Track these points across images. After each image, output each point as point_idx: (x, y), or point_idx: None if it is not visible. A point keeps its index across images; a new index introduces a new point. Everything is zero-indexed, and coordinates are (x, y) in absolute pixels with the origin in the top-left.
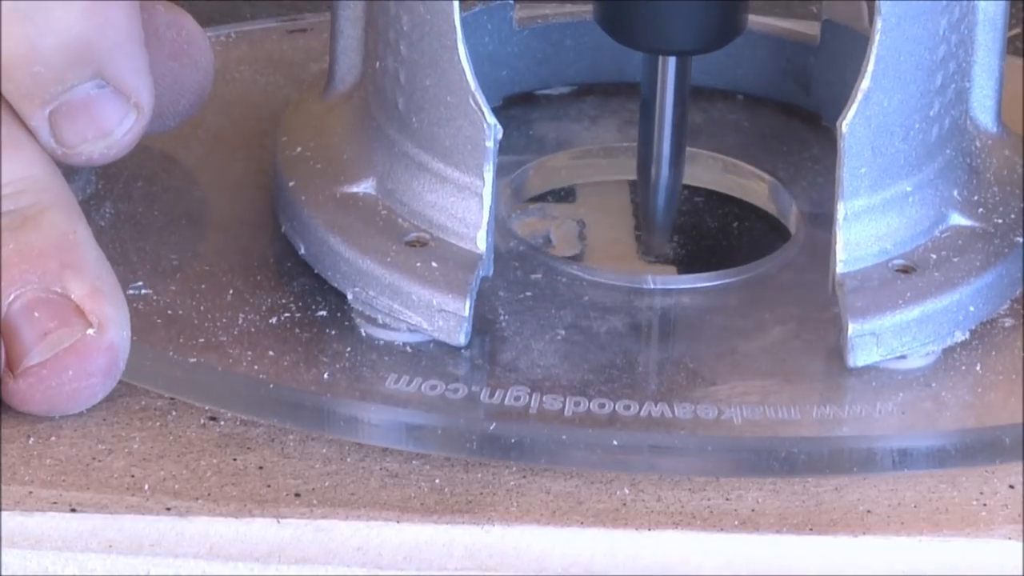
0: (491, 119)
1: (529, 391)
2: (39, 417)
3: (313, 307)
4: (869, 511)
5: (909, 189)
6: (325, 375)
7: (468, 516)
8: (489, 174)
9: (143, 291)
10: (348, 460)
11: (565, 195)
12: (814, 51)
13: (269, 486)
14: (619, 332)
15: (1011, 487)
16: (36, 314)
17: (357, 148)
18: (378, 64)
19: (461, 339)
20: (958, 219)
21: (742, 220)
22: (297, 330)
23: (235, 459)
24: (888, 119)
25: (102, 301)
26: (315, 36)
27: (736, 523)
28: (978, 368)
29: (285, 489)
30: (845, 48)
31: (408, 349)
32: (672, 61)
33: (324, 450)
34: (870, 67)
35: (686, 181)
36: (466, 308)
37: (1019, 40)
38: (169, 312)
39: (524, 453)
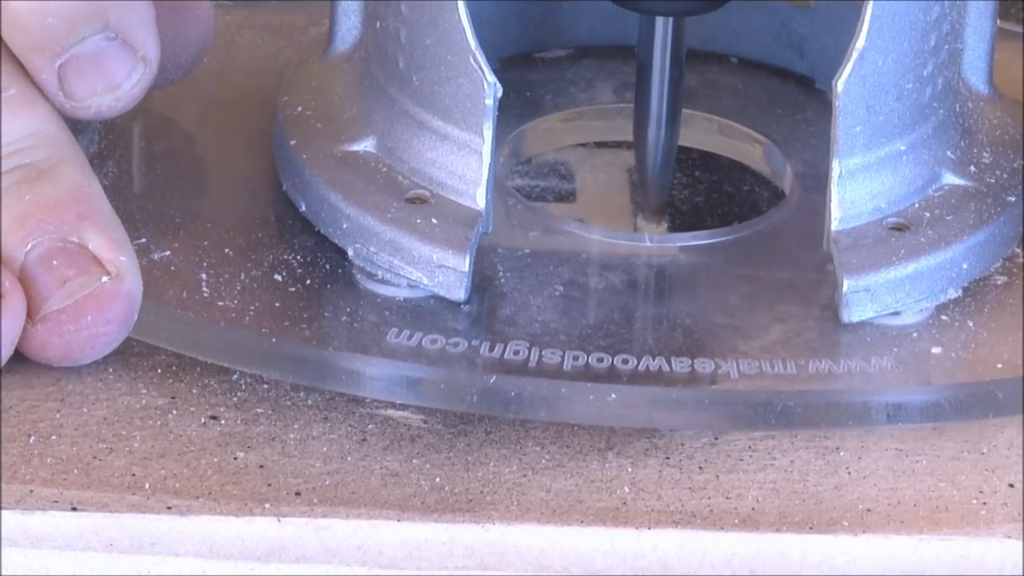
0: (491, 77)
1: (528, 345)
2: (40, 416)
3: (314, 264)
4: (869, 510)
5: (903, 148)
6: (326, 330)
7: (468, 515)
8: (489, 132)
9: (153, 250)
10: (348, 459)
11: (565, 195)
12: (808, 15)
13: (270, 485)
14: (616, 288)
15: (1011, 486)
16: (54, 263)
17: (357, 107)
18: (379, 24)
19: (461, 294)
20: (951, 178)
21: (740, 219)
22: (299, 286)
23: (236, 458)
24: (882, 78)
25: (118, 251)
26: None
27: (736, 522)
28: (971, 324)
29: (286, 488)
30: (839, 12)
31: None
32: (668, 23)
33: (324, 449)
34: (865, 26)
35: (681, 143)
36: (466, 264)
37: (1019, 40)
38: (172, 268)
39: (523, 406)
